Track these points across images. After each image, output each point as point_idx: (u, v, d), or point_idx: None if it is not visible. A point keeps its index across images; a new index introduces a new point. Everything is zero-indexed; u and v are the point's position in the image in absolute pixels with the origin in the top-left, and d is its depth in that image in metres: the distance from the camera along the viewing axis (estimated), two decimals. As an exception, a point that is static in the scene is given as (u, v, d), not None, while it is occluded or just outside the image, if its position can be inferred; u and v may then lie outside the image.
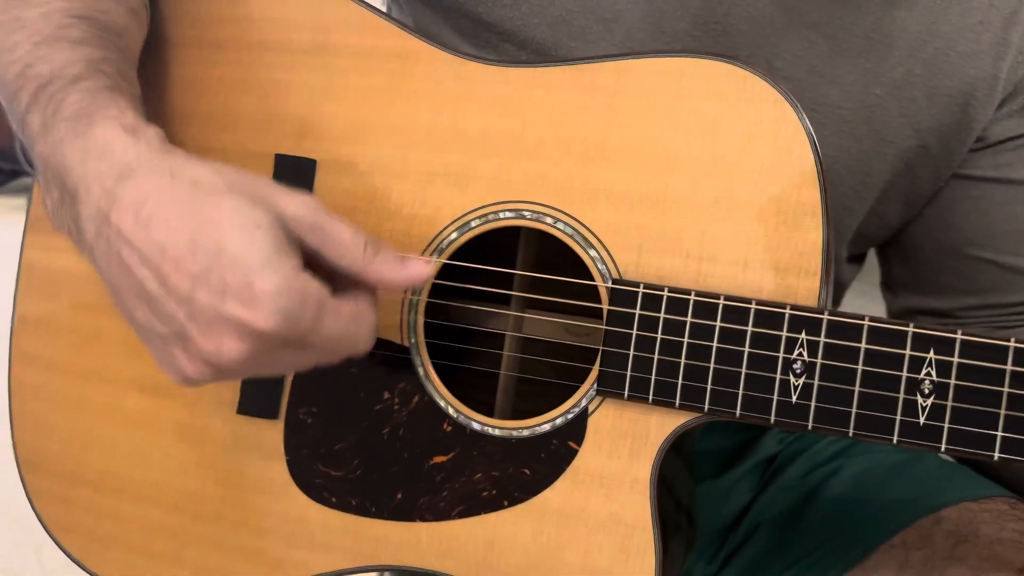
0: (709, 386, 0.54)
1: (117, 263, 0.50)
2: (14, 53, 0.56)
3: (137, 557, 0.69)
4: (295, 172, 0.65)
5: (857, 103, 0.65)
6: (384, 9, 0.73)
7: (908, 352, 0.50)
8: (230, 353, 0.48)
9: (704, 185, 0.56)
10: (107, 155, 0.50)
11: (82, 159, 0.51)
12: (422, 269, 0.53)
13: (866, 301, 0.73)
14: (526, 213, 0.60)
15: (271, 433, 0.65)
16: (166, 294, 0.48)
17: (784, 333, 0.53)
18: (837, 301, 0.77)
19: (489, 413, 0.62)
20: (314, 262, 0.52)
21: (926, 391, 0.50)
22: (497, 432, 0.60)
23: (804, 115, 0.54)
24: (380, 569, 0.64)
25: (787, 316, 0.52)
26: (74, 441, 0.70)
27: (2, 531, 1.48)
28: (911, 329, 0.50)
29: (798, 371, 0.52)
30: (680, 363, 0.54)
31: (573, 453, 0.58)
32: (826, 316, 0.52)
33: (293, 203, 0.50)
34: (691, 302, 0.54)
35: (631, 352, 0.55)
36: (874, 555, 0.64)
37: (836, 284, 0.74)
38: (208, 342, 0.48)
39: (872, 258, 0.78)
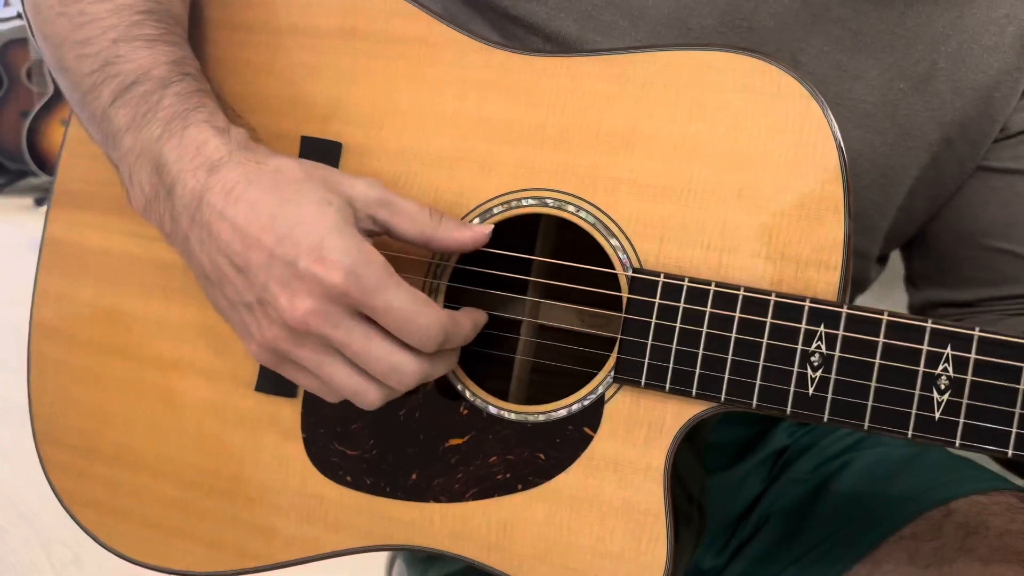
0: (726, 376, 0.54)
1: (209, 241, 0.56)
2: (87, 47, 0.61)
3: (152, 531, 0.69)
4: (321, 155, 0.65)
5: (881, 97, 0.66)
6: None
7: (926, 347, 0.51)
8: (306, 309, 0.52)
9: (727, 177, 0.56)
10: (201, 152, 0.56)
11: (178, 156, 0.57)
12: (483, 230, 0.59)
13: (872, 298, 0.73)
14: (548, 201, 0.60)
15: (288, 411, 0.66)
16: (248, 265, 0.54)
17: (803, 326, 0.53)
18: (859, 295, 0.78)
19: (503, 398, 0.62)
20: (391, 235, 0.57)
21: (942, 387, 0.51)
22: (513, 416, 0.60)
23: (829, 110, 0.55)
24: (393, 548, 0.64)
25: (807, 309, 0.53)
26: (92, 415, 0.71)
27: (11, 528, 1.48)
28: (929, 325, 0.51)
29: (816, 364, 0.53)
30: (698, 353, 0.55)
31: (588, 439, 0.58)
32: (845, 310, 0.52)
33: (361, 184, 0.57)
34: (711, 292, 0.55)
35: (649, 341, 0.56)
36: (883, 546, 0.64)
37: (860, 282, 0.74)
38: (284, 298, 0.53)
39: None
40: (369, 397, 0.56)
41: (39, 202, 3.79)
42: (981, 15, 0.66)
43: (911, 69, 0.66)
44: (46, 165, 3.91)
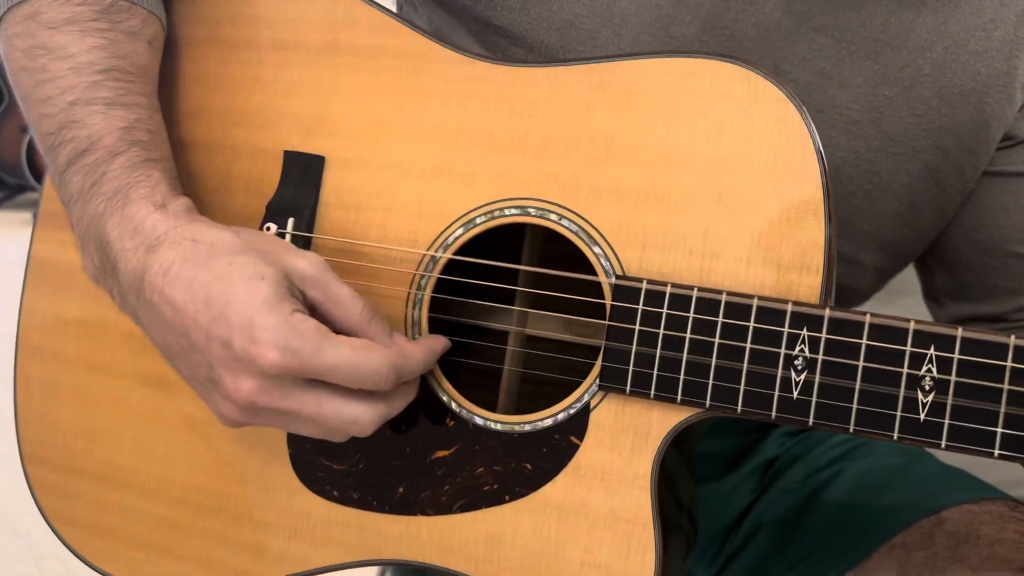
0: (711, 382, 0.54)
1: (156, 320, 0.57)
2: (46, 107, 0.62)
3: (139, 550, 0.69)
4: (304, 169, 0.66)
5: (866, 104, 0.66)
6: (395, 9, 0.73)
7: (909, 348, 0.51)
8: (249, 389, 0.53)
9: (708, 183, 0.57)
10: (140, 231, 0.57)
11: (119, 235, 0.58)
12: (440, 341, 0.60)
13: (876, 305, 0.72)
14: (531, 210, 0.60)
15: (274, 428, 0.65)
16: (192, 345, 0.55)
17: (786, 329, 0.53)
18: (854, 306, 0.76)
19: (492, 409, 0.62)
20: (320, 318, 0.56)
21: (927, 388, 0.50)
22: (499, 427, 0.60)
23: (807, 114, 0.55)
24: (382, 563, 0.64)
25: (789, 312, 0.53)
26: (78, 434, 0.71)
27: (3, 543, 1.47)
28: (912, 326, 0.51)
29: (799, 367, 0.53)
30: (682, 359, 0.55)
31: (575, 448, 0.58)
32: (827, 312, 0.52)
33: (300, 260, 0.57)
34: (693, 298, 0.55)
35: (633, 348, 0.56)
36: (875, 555, 0.64)
37: (854, 291, 0.73)
38: (228, 381, 0.54)
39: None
40: (346, 436, 0.57)
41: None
42: (966, 21, 0.66)
43: (895, 76, 0.66)
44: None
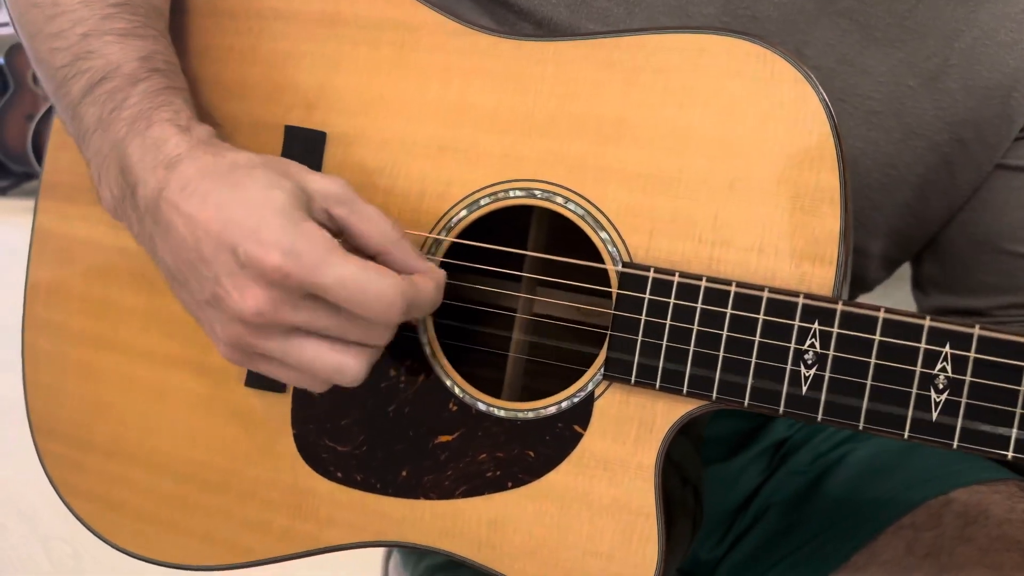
0: (718, 375, 0.53)
1: (169, 238, 0.54)
2: (58, 40, 0.59)
3: (146, 524, 0.69)
4: (304, 144, 0.64)
5: (888, 94, 0.63)
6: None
7: (923, 346, 0.49)
8: (254, 298, 0.50)
9: (720, 167, 0.54)
10: (161, 150, 0.55)
11: (140, 156, 0.55)
12: (438, 273, 0.55)
13: (875, 298, 0.70)
14: (537, 192, 0.58)
15: (279, 406, 0.65)
16: (201, 258, 0.52)
17: (796, 322, 0.51)
18: (860, 295, 0.74)
19: (497, 392, 0.61)
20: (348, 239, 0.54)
21: (940, 386, 0.49)
22: (502, 413, 0.59)
23: (825, 96, 0.52)
24: (384, 545, 0.64)
25: (800, 305, 0.51)
26: (85, 408, 0.71)
27: (10, 525, 1.50)
28: (927, 323, 0.49)
29: (809, 362, 0.51)
30: (689, 350, 0.53)
31: (578, 437, 0.57)
32: (840, 306, 0.50)
33: (322, 180, 0.54)
34: (702, 288, 0.53)
35: (639, 338, 0.54)
36: (883, 536, 0.63)
37: (862, 282, 0.71)
38: (235, 292, 0.51)
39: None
40: (351, 370, 0.52)
41: (45, 206, 3.78)
42: (997, 10, 0.62)
43: (921, 65, 0.63)
44: (53, 170, 3.91)
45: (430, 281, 0.54)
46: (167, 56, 0.61)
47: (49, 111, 3.94)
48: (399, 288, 0.50)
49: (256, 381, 0.65)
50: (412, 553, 0.80)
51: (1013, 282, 0.68)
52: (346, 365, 0.52)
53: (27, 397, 0.74)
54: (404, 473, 0.61)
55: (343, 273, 0.49)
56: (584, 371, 0.57)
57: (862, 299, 0.74)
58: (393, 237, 0.54)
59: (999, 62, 0.63)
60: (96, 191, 0.59)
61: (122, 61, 0.58)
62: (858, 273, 0.69)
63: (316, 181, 0.54)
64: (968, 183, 0.66)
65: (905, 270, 0.75)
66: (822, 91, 0.52)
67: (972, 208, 0.68)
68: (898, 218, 0.67)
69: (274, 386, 0.65)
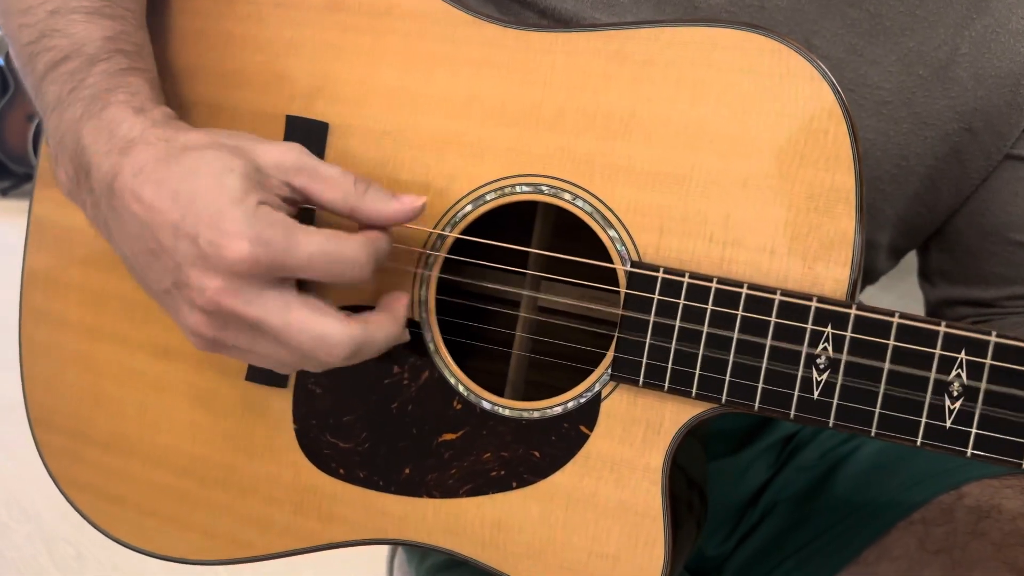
0: (728, 378, 0.52)
1: (125, 226, 0.53)
2: (27, 17, 0.58)
3: (146, 518, 0.69)
4: (306, 135, 0.62)
5: (898, 84, 0.61)
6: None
7: (938, 352, 0.48)
8: (215, 288, 0.50)
9: (732, 165, 0.53)
10: (116, 133, 0.54)
11: (94, 139, 0.54)
12: (413, 203, 0.54)
13: (879, 289, 0.69)
14: (544, 188, 0.57)
15: (280, 401, 0.64)
16: (160, 247, 0.51)
17: (809, 326, 0.50)
18: (866, 286, 0.74)
19: (500, 389, 0.60)
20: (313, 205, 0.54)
21: (955, 394, 0.48)
22: (507, 413, 0.58)
23: (842, 94, 0.51)
24: (387, 542, 0.63)
25: (813, 309, 0.50)
26: (84, 400, 0.70)
27: (14, 525, 1.50)
28: (943, 329, 0.48)
29: (821, 367, 0.50)
30: (698, 353, 0.52)
31: (584, 438, 0.56)
32: (854, 311, 0.49)
33: (275, 150, 0.53)
34: (712, 289, 0.52)
35: (647, 339, 0.54)
36: (893, 531, 0.63)
37: (870, 273, 0.71)
38: (194, 281, 0.50)
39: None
40: (314, 365, 0.53)
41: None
42: None
43: (931, 55, 0.61)
44: (54, 171, 3.86)
45: (383, 236, 0.54)
46: (134, 37, 0.59)
47: (50, 111, 3.90)
48: (365, 244, 0.51)
49: (257, 375, 0.64)
50: (416, 551, 0.80)
51: (1021, 273, 0.67)
52: (309, 362, 0.52)
53: (25, 389, 0.73)
54: (407, 471, 0.61)
55: (311, 249, 0.50)
56: (590, 369, 0.56)
57: (869, 291, 0.74)
58: (358, 193, 0.53)
59: (1010, 50, 0.62)
60: (54, 171, 0.58)
61: (86, 41, 0.57)
62: (867, 265, 0.69)
63: (269, 152, 0.53)
64: (978, 172, 0.65)
65: (911, 263, 0.74)
66: (839, 89, 0.51)
67: (980, 198, 0.67)
68: (907, 208, 0.66)
69: (275, 380, 0.64)
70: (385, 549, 0.88)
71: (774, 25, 0.60)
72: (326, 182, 0.53)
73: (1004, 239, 0.66)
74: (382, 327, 0.54)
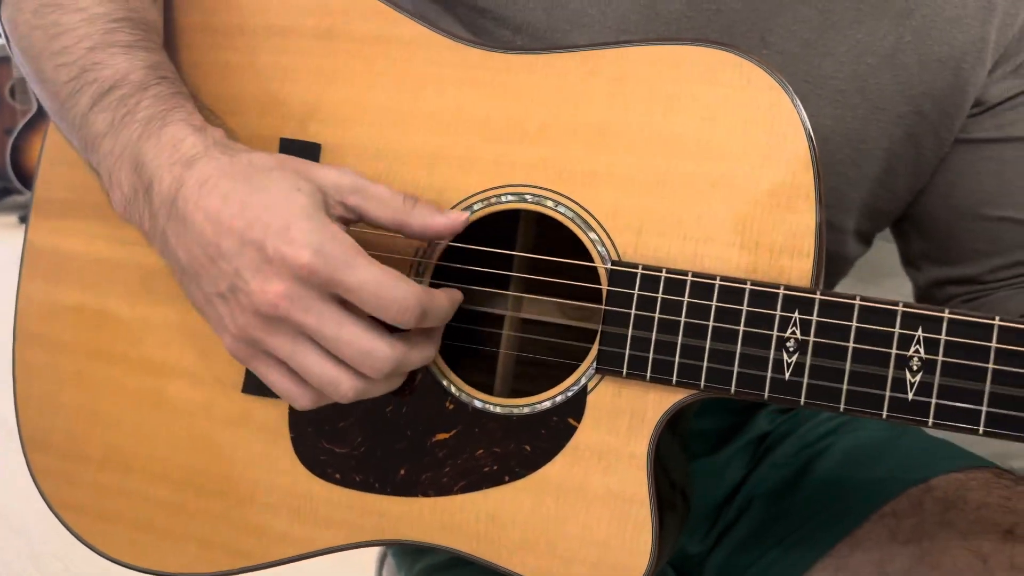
0: (705, 364, 0.56)
1: (185, 233, 0.56)
2: (63, 57, 0.62)
3: (142, 533, 0.70)
4: (300, 156, 0.66)
5: (850, 73, 0.67)
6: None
7: (897, 330, 0.52)
8: (276, 292, 0.53)
9: (702, 169, 0.58)
10: (178, 149, 0.57)
11: (156, 154, 0.58)
12: (458, 217, 0.59)
13: (863, 287, 0.73)
14: (527, 196, 0.61)
15: (275, 411, 0.66)
16: (220, 253, 0.55)
17: (778, 312, 0.54)
18: (841, 275, 0.77)
19: (490, 393, 0.63)
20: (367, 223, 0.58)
21: (914, 368, 0.52)
22: (498, 410, 0.61)
23: (798, 100, 0.56)
24: (384, 543, 0.65)
25: (780, 296, 0.54)
26: (79, 419, 0.72)
27: (1, 542, 1.47)
28: (900, 308, 0.52)
29: (791, 349, 0.54)
30: (677, 342, 0.56)
31: (572, 429, 0.59)
32: (818, 296, 0.54)
33: (333, 173, 0.58)
34: (688, 283, 0.56)
35: (629, 331, 0.57)
36: (866, 524, 0.66)
37: (841, 258, 0.75)
38: (255, 283, 0.53)
39: (875, 248, 0.78)
40: (342, 388, 0.55)
41: (23, 220, 3.71)
42: None
43: (878, 44, 0.67)
44: (30, 183, 3.82)
45: (445, 297, 0.58)
46: (170, 67, 0.63)
47: (27, 126, 3.89)
48: (417, 295, 0.54)
49: (253, 388, 0.67)
50: (407, 556, 0.81)
51: (1000, 245, 0.71)
52: (342, 380, 0.55)
53: (18, 412, 0.74)
54: (402, 472, 0.63)
55: (366, 276, 0.53)
56: (575, 367, 0.60)
57: (843, 281, 0.78)
58: (406, 209, 0.58)
59: (948, 36, 0.68)
60: (106, 194, 0.61)
61: (131, 70, 0.60)
62: (837, 250, 0.73)
63: (328, 175, 0.57)
64: (932, 153, 0.71)
65: (893, 264, 0.79)
66: (795, 96, 0.56)
67: (947, 181, 0.72)
68: (870, 192, 0.71)
69: (271, 392, 0.66)
70: (374, 555, 0.89)
71: (730, 26, 0.65)
72: (379, 201, 0.58)
73: (976, 215, 0.71)
74: (422, 350, 0.58)
